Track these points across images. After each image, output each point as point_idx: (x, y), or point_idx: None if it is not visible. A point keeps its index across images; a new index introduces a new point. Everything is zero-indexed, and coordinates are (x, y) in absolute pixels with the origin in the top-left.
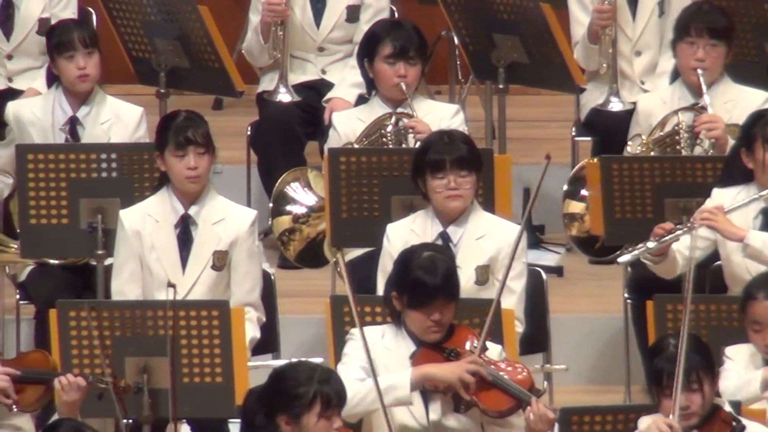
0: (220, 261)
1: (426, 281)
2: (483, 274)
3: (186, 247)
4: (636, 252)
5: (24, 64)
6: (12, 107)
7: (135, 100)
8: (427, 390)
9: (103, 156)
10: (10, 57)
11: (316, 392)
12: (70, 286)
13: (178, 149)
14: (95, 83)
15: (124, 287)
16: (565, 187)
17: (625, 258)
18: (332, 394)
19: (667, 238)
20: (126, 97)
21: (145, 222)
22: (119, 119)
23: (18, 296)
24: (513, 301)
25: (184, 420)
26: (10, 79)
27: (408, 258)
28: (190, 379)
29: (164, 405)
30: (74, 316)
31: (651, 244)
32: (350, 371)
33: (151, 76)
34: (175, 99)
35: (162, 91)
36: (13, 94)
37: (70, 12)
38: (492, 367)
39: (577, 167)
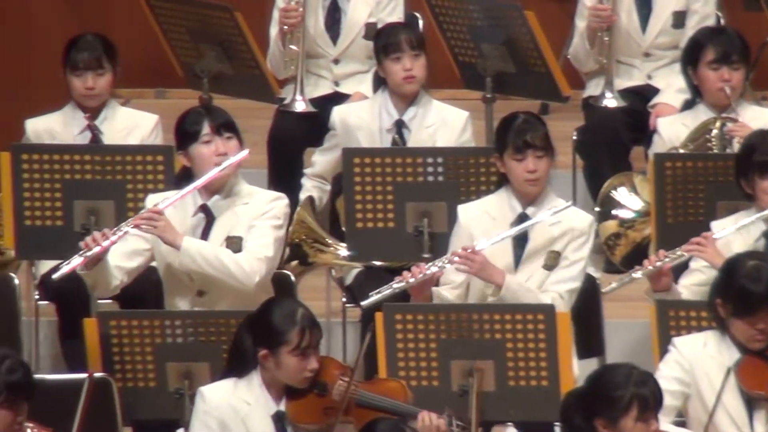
0: (553, 261)
1: (752, 290)
2: None
3: (520, 245)
4: (616, 285)
5: (350, 68)
6: (338, 112)
7: (461, 105)
8: (752, 398)
9: (429, 160)
10: (336, 61)
11: (632, 395)
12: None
13: (517, 153)
14: (421, 86)
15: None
16: None
17: (608, 289)
18: (649, 397)
19: (651, 267)
20: (452, 102)
21: (481, 219)
22: (444, 123)
23: (344, 299)
24: None
25: (510, 423)
26: (336, 84)
27: (733, 266)
28: (516, 383)
29: (490, 407)
30: (400, 319)
31: (637, 274)
32: None
33: (477, 80)
34: (501, 104)
35: (488, 96)
36: (339, 98)
37: (397, 16)
38: None
39: None
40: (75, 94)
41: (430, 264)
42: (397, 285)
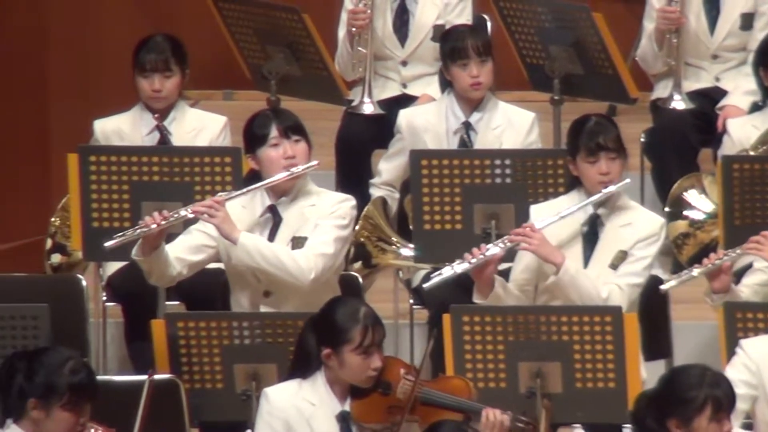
0: (619, 260)
1: None
2: None
3: (590, 245)
4: (675, 282)
5: (418, 70)
6: (404, 115)
7: (529, 107)
8: None
9: (497, 162)
10: (404, 63)
11: (707, 396)
12: (465, 291)
13: (589, 155)
14: (487, 90)
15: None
16: None
17: (667, 285)
18: (722, 398)
19: (710, 266)
20: (520, 104)
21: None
22: (511, 124)
23: (411, 301)
24: None
25: (578, 425)
26: (404, 85)
27: None
28: (583, 384)
29: (557, 409)
30: (467, 321)
31: (696, 272)
32: None
33: (545, 82)
34: (569, 105)
35: (556, 98)
36: (407, 100)
37: (465, 18)
38: None
39: None
40: (142, 96)
41: (490, 245)
42: (458, 266)
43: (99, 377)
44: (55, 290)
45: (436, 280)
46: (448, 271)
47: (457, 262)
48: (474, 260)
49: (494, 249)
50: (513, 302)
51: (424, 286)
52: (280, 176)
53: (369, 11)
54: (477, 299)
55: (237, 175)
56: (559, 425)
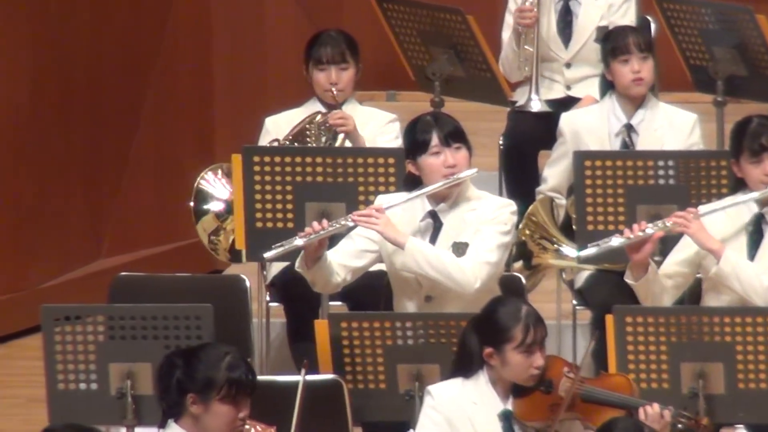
0: None
1: None
2: None
3: (755, 244)
4: (594, 249)
5: (581, 72)
6: (566, 119)
7: (692, 108)
8: None
9: (660, 163)
10: (568, 65)
11: None
12: (627, 292)
13: (753, 156)
14: (649, 88)
15: None
16: None
17: (586, 252)
18: None
19: (633, 237)
20: (683, 105)
21: (719, 215)
22: (672, 126)
23: (574, 302)
24: None
25: (741, 425)
26: (568, 87)
27: None
28: (745, 385)
29: (719, 410)
30: (630, 322)
31: (616, 242)
32: None
33: (708, 84)
34: (732, 107)
35: (719, 99)
36: (570, 102)
37: (629, 20)
38: None
39: None
40: (318, 90)
41: (651, 224)
42: (615, 240)
43: (262, 377)
44: (219, 290)
45: (592, 249)
46: (605, 243)
47: (616, 236)
48: (632, 236)
49: (654, 228)
50: (658, 291)
51: (580, 254)
52: (440, 184)
53: (535, 9)
54: (628, 279)
55: (400, 175)
56: (722, 425)
